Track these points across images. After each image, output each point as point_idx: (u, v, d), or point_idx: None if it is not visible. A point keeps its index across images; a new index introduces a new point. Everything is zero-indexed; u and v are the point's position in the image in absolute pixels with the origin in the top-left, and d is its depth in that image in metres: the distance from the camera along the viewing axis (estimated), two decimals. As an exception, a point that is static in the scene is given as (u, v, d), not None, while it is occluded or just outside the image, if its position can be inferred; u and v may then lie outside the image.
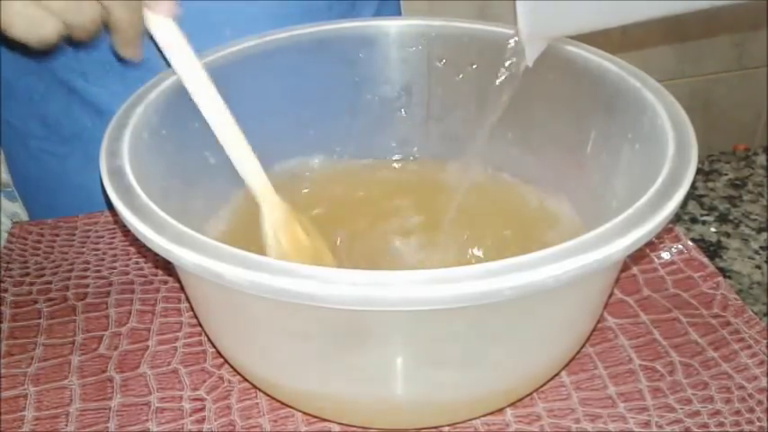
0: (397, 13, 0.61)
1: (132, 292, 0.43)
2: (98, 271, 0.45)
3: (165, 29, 0.36)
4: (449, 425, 0.35)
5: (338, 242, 0.42)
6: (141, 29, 0.36)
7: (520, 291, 0.25)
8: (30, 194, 0.60)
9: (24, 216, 0.62)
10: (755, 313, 0.41)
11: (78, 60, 0.48)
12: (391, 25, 0.46)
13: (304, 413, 0.36)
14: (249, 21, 0.47)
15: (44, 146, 0.53)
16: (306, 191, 0.47)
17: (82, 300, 0.43)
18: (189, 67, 0.36)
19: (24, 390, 0.38)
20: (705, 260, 0.44)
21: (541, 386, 0.36)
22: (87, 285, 0.44)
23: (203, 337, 0.40)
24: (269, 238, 0.37)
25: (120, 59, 0.38)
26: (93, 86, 0.40)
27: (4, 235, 0.57)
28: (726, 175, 0.56)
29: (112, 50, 0.37)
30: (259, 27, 0.44)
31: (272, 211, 0.37)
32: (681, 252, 0.44)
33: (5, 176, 0.61)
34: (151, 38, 0.36)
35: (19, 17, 0.33)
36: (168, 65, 0.37)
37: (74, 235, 0.48)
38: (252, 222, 0.43)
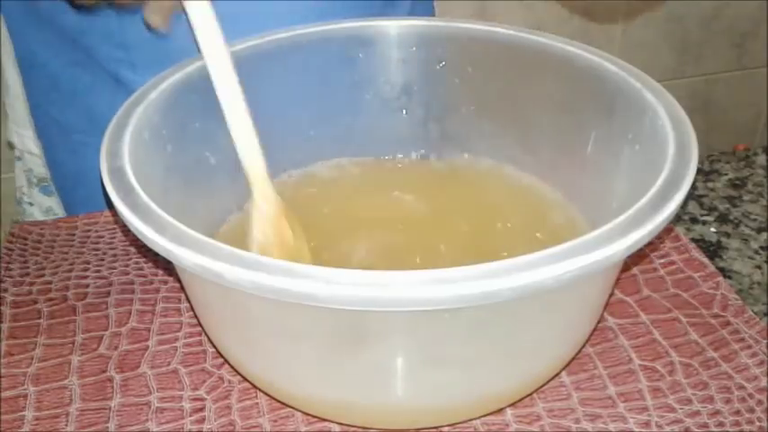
0: (431, 13, 0.60)
1: (132, 292, 0.43)
2: (98, 271, 0.45)
3: (198, 6, 0.35)
4: (449, 425, 0.35)
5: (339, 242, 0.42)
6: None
7: (520, 291, 0.25)
8: (67, 189, 0.59)
9: (60, 210, 0.62)
10: (755, 313, 0.41)
11: (127, 51, 0.48)
12: (391, 25, 0.46)
13: (304, 413, 0.36)
14: (282, 17, 0.46)
15: (86, 139, 0.53)
16: (306, 191, 0.47)
17: (82, 300, 0.43)
18: (215, 49, 0.36)
19: (24, 390, 0.38)
20: (705, 260, 0.44)
21: (541, 386, 0.36)
22: (87, 285, 0.44)
23: (203, 337, 0.40)
24: (254, 228, 0.37)
25: (150, 29, 0.37)
26: (141, 78, 0.41)
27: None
28: (726, 175, 0.56)
29: (146, 24, 0.37)
30: (291, 23, 0.44)
31: (265, 202, 0.37)
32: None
33: (43, 170, 0.61)
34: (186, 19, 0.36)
35: None
36: (197, 46, 0.36)
37: (74, 235, 0.48)
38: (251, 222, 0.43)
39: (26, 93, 0.56)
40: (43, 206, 0.63)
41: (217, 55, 0.36)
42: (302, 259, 0.38)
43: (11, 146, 0.63)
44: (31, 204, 0.63)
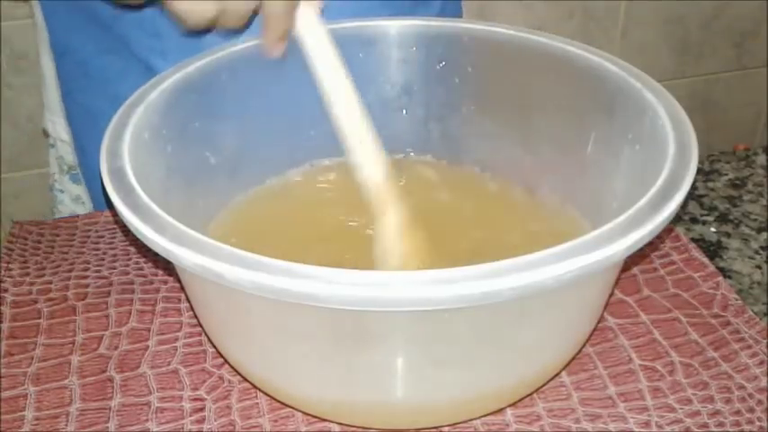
0: (459, 13, 0.60)
1: (132, 292, 0.43)
2: (98, 271, 0.45)
3: (312, 27, 0.35)
4: (449, 425, 0.35)
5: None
6: (291, 25, 0.36)
7: (520, 291, 0.25)
8: (95, 177, 0.60)
9: (87, 200, 0.63)
10: (755, 313, 0.41)
11: (159, 39, 0.49)
12: (391, 25, 0.46)
13: (304, 413, 0.36)
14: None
15: None
16: (306, 191, 0.46)
17: (82, 300, 0.43)
18: (334, 71, 0.36)
19: (24, 390, 0.38)
20: (705, 260, 0.44)
21: (541, 386, 0.36)
22: (87, 285, 0.44)
23: (203, 337, 0.40)
24: (383, 242, 0.36)
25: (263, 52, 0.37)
26: (172, 65, 0.41)
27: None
28: (726, 175, 0.56)
29: (261, 48, 0.37)
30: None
31: (390, 214, 0.36)
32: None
33: (72, 158, 0.62)
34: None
35: None
36: (310, 65, 0.36)
37: (74, 235, 0.48)
38: (252, 222, 0.43)
39: (58, 80, 0.57)
40: (73, 194, 0.64)
41: (336, 83, 0.36)
42: (423, 248, 0.38)
43: (45, 133, 0.64)
44: (61, 191, 0.65)
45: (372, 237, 0.36)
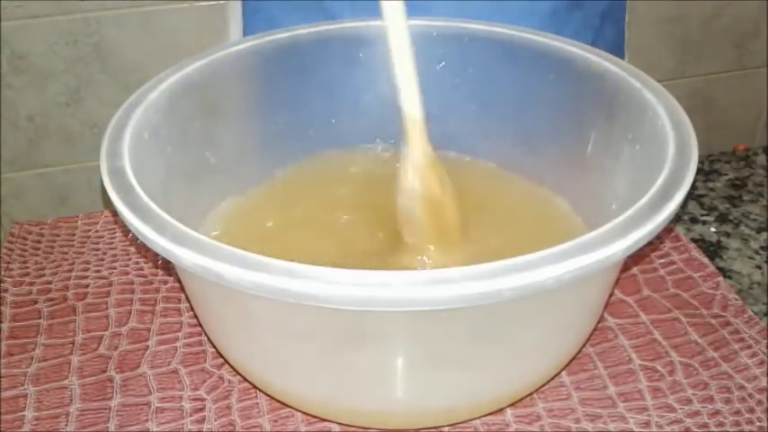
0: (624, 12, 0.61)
1: (132, 292, 0.43)
2: (98, 271, 0.45)
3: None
4: (449, 425, 0.35)
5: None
6: None
7: (520, 291, 0.25)
8: None
9: None
10: (755, 313, 0.41)
11: None
12: (391, 25, 0.46)
13: (304, 413, 0.36)
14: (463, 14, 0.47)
15: None
16: (306, 191, 0.46)
17: (82, 300, 0.43)
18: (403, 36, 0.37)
19: (24, 390, 0.38)
20: (705, 260, 0.44)
21: (541, 386, 0.36)
22: (87, 285, 0.44)
23: (203, 337, 0.40)
24: (404, 177, 0.37)
25: None
26: (354, 14, 0.41)
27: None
28: (726, 175, 0.56)
29: None
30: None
31: (417, 152, 0.37)
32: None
33: None
34: None
35: None
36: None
37: (74, 235, 0.48)
38: (252, 222, 0.43)
39: (244, 34, 0.57)
40: None
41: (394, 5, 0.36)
42: (446, 212, 0.38)
43: None
44: None
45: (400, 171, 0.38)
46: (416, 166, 0.37)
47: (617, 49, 0.60)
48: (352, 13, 0.44)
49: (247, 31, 0.57)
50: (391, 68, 0.36)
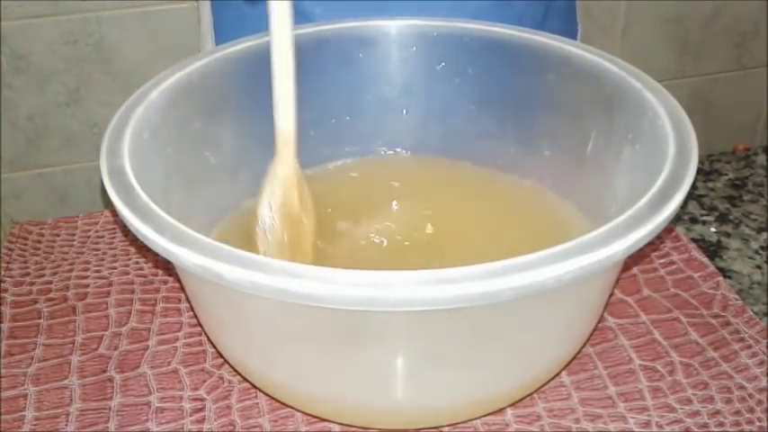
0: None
1: (132, 292, 0.43)
2: (98, 271, 0.45)
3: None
4: (449, 425, 0.35)
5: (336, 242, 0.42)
6: None
7: (520, 291, 0.25)
8: None
9: None
10: (755, 313, 0.41)
11: None
12: (391, 25, 0.46)
13: (304, 413, 0.36)
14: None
15: None
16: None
17: (82, 300, 0.43)
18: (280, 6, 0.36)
19: (24, 390, 0.38)
20: (705, 260, 0.44)
21: (541, 386, 0.36)
22: (87, 285, 0.44)
23: (203, 337, 0.40)
24: (266, 187, 0.37)
25: None
26: (325, 13, 0.41)
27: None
28: (726, 175, 0.56)
29: None
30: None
31: (282, 164, 0.38)
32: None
33: None
34: None
35: None
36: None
37: (74, 235, 0.48)
38: (252, 223, 0.43)
39: (214, 32, 0.58)
40: None
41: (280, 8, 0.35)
42: (301, 228, 0.39)
43: None
44: None
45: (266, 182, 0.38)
46: (282, 180, 0.37)
47: (569, 22, 0.60)
48: (324, 13, 0.44)
49: (217, 28, 0.58)
50: (271, 80, 0.36)
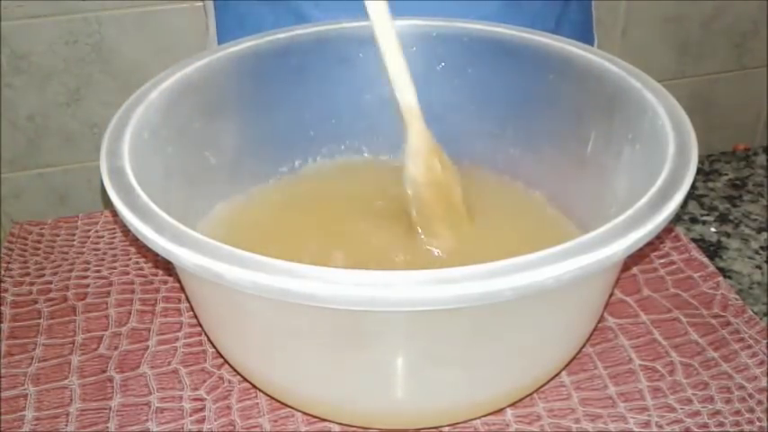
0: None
1: (132, 292, 0.43)
2: (98, 271, 0.45)
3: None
4: (449, 425, 0.35)
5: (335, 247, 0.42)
6: None
7: (520, 291, 0.25)
8: None
9: None
10: (755, 313, 0.41)
11: None
12: (391, 25, 0.46)
13: (304, 413, 0.36)
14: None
15: None
16: (307, 191, 0.46)
17: (82, 300, 0.43)
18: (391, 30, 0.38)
19: (24, 390, 0.38)
20: (705, 260, 0.44)
21: (541, 386, 0.36)
22: (87, 285, 0.44)
23: (203, 337, 0.40)
24: (408, 163, 0.39)
25: None
26: (322, 14, 0.41)
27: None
28: (726, 175, 0.56)
29: None
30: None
31: (417, 138, 0.39)
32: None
33: None
34: None
35: None
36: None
37: (74, 235, 0.48)
38: (252, 222, 0.43)
39: (217, 32, 0.58)
40: None
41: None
42: (452, 192, 0.40)
43: None
44: None
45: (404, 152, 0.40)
46: (418, 153, 0.39)
47: (585, 33, 0.60)
48: (322, 13, 0.44)
49: (220, 28, 0.58)
50: (383, 65, 0.38)
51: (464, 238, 0.42)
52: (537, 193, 0.45)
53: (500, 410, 0.35)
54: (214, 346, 0.39)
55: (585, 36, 0.60)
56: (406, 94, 0.39)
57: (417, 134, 0.39)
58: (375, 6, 0.38)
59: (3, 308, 0.42)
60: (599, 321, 0.39)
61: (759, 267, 0.47)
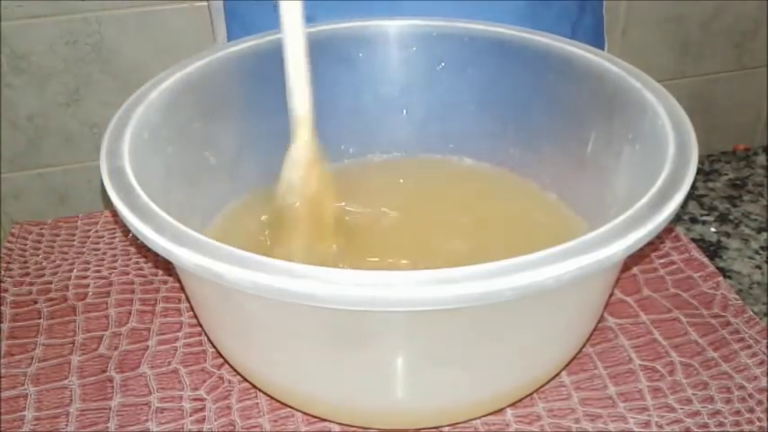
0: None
1: (132, 292, 0.43)
2: (98, 271, 0.45)
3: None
4: (449, 425, 0.35)
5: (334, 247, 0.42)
6: None
7: (520, 291, 0.25)
8: None
9: None
10: (755, 313, 0.41)
11: None
12: (391, 25, 0.46)
13: (304, 413, 0.36)
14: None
15: None
16: (306, 191, 0.46)
17: (82, 300, 0.43)
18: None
19: (24, 390, 0.38)
20: (705, 260, 0.44)
21: (541, 386, 0.36)
22: (87, 285, 0.44)
23: (203, 337, 0.40)
24: (285, 168, 0.38)
25: None
26: (323, 14, 0.42)
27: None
28: (726, 175, 0.56)
29: None
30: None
31: (300, 145, 0.38)
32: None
33: None
34: None
35: None
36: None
37: (74, 235, 0.48)
38: (251, 223, 0.43)
39: (228, 40, 0.58)
40: None
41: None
42: (323, 208, 0.39)
43: None
44: None
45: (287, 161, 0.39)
46: (297, 163, 0.38)
47: (597, 38, 0.60)
48: (326, 14, 0.44)
49: (231, 37, 0.58)
50: (285, 69, 0.37)
51: (464, 239, 0.42)
52: (538, 190, 0.45)
53: (500, 410, 0.35)
54: (214, 346, 0.39)
55: (597, 40, 0.60)
56: (299, 101, 0.38)
57: (301, 144, 0.38)
58: (288, 7, 0.37)
59: (3, 308, 0.42)
60: (599, 321, 0.39)
61: (759, 267, 0.47)
